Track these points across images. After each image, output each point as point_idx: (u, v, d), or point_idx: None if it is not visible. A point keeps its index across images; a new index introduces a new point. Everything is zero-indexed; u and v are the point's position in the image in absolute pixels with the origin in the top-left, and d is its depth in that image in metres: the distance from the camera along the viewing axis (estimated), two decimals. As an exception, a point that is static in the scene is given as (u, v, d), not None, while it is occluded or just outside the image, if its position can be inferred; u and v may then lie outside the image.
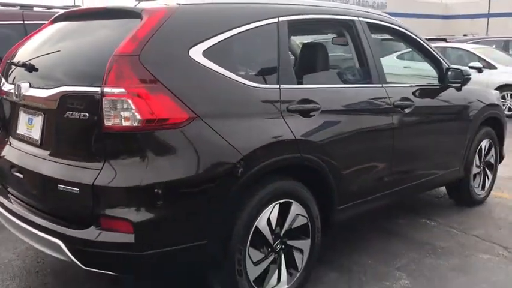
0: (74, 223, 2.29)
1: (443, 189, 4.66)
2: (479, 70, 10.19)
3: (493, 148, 4.55)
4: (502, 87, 9.95)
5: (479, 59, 10.37)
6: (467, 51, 10.91)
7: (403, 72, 4.21)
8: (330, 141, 2.86)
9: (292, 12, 2.89)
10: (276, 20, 2.76)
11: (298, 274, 2.81)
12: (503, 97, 10.00)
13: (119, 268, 2.27)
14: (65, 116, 2.31)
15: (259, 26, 2.69)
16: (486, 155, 4.50)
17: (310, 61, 3.22)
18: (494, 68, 10.17)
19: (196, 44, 2.38)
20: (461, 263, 3.35)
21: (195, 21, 2.48)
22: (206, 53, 2.40)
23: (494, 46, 12.89)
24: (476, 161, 4.34)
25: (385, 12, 3.81)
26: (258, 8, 2.77)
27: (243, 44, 2.67)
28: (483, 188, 4.54)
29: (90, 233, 2.20)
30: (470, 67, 10.23)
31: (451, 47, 11.58)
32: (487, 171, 4.57)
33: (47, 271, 3.15)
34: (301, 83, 2.92)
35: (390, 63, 10.68)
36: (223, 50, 2.49)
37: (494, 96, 4.56)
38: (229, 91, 2.46)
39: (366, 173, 3.20)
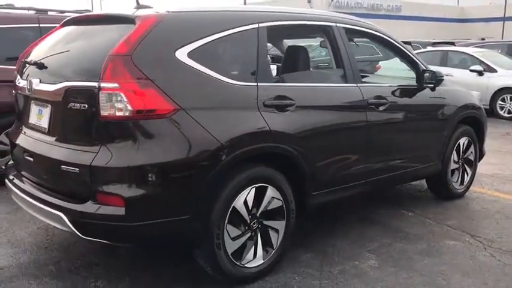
0: (74, 198, 2.68)
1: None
2: (480, 73, 10.42)
3: (472, 146, 4.84)
4: (501, 90, 10.16)
5: (480, 62, 10.59)
6: (469, 54, 11.13)
7: (401, 74, 4.50)
8: (303, 133, 3.21)
9: (272, 19, 3.25)
10: (256, 25, 3.12)
11: (273, 251, 3.16)
12: (503, 100, 10.22)
13: (112, 237, 2.66)
14: (68, 107, 2.71)
15: (241, 31, 3.05)
16: (465, 152, 4.79)
17: (291, 62, 3.58)
18: (495, 71, 10.38)
19: (182, 46, 2.76)
20: (428, 248, 3.67)
21: (182, 26, 2.86)
22: (191, 54, 2.77)
23: (499, 51, 13.05)
24: (454, 157, 4.64)
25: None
26: (240, 15, 3.14)
27: (225, 47, 3.05)
28: (462, 183, 4.84)
29: (88, 207, 2.58)
30: (471, 70, 10.49)
31: (454, 51, 11.81)
32: (466, 167, 4.86)
33: (55, 247, 3.56)
34: (279, 82, 3.28)
35: (394, 65, 10.97)
36: (206, 52, 2.86)
37: (473, 97, 4.86)
38: (211, 87, 2.83)
39: (340, 163, 3.54)
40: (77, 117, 2.72)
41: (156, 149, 2.60)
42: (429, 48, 13.40)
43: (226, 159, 2.77)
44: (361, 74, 4.29)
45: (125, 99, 2.53)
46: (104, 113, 2.55)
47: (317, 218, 4.08)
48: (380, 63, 10.16)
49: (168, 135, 2.63)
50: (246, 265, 3.02)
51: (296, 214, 3.27)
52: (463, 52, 11.50)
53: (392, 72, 5.43)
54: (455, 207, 4.64)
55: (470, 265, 3.41)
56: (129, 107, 2.54)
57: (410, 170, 4.21)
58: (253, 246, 3.06)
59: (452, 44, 14.84)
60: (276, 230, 3.17)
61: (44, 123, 2.95)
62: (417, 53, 11.74)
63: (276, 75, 3.47)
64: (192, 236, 2.79)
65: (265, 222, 3.11)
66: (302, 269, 3.28)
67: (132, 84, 2.55)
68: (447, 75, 10.02)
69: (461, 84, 5.70)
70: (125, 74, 2.55)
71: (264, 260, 3.11)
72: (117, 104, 2.54)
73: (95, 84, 2.56)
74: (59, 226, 2.73)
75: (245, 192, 2.93)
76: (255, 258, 3.07)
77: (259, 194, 3.03)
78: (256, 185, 2.99)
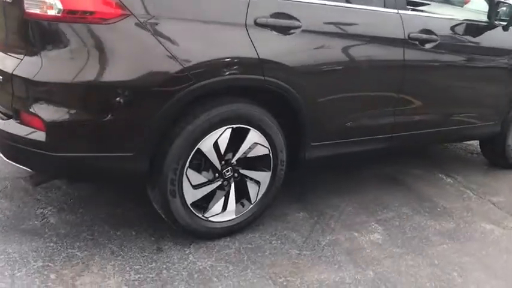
0: (3, 114, 2.21)
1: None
2: None
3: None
4: None
5: None
6: None
7: (477, 8, 3.54)
8: (308, 68, 2.50)
9: None
10: None
11: (250, 206, 2.60)
12: None
13: (35, 166, 2.20)
14: (-4, -2, 2.16)
15: None
16: (537, 113, 3.82)
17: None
18: None
19: None
20: (455, 229, 2.94)
21: None
22: None
23: None
24: (521, 118, 3.71)
25: None
26: None
27: None
28: (525, 150, 3.92)
29: (8, 125, 2.12)
30: None
31: None
32: (536, 132, 3.91)
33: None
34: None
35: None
36: None
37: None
38: (180, -10, 2.15)
39: (356, 110, 2.81)
40: (4, 12, 2.17)
41: (93, 63, 2.02)
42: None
43: (189, 90, 2.15)
44: (420, 1, 3.41)
45: (55, -7, 1.93)
46: (29, 9, 1.98)
47: (326, 170, 3.43)
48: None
49: (110, 48, 2.03)
50: (210, 219, 2.49)
51: (288, 166, 2.65)
52: None
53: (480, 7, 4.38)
54: (509, 179, 3.78)
55: (502, 262, 2.66)
56: (59, 5, 1.94)
57: (457, 129, 3.38)
58: (224, 198, 2.50)
59: None
60: (257, 182, 2.58)
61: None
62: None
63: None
64: (138, 178, 2.27)
65: (243, 172, 2.52)
66: (285, 231, 2.70)
67: (65, -27, 1.94)
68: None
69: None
70: (57, -41, 1.93)
71: (236, 215, 2.56)
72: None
73: (19, -30, 1.98)
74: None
75: (216, 132, 2.33)
76: (224, 212, 2.52)
77: (238, 137, 2.42)
78: (234, 126, 2.37)
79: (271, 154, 2.55)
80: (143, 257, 2.37)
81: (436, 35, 2.93)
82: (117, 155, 2.13)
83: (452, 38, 3.07)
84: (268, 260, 2.44)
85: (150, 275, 2.24)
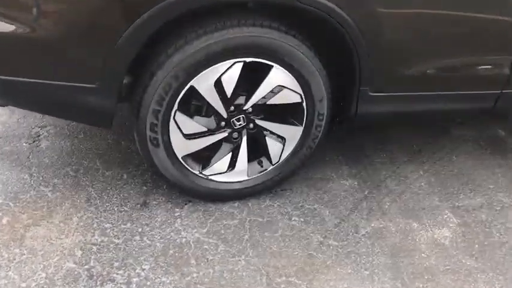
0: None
1: None
2: None
3: None
4: None
5: None
6: None
7: None
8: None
9: None
10: None
11: (270, 168, 1.95)
12: None
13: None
14: None
15: None
16: None
17: None
18: None
19: None
20: None
21: None
22: None
23: None
24: None
25: None
26: None
27: None
28: None
29: None
30: None
31: None
32: None
33: None
34: None
35: None
36: None
37: None
38: None
39: (450, 50, 1.89)
40: None
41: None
42: None
43: (172, 1, 1.47)
44: None
45: None
46: None
47: (401, 126, 2.58)
48: None
49: None
50: (211, 177, 1.90)
51: (330, 121, 1.92)
52: None
53: None
54: None
55: None
56: None
57: None
58: (231, 154, 1.88)
59: None
60: (281, 139, 1.90)
61: None
62: None
63: None
64: (104, 118, 1.71)
65: (260, 123, 1.85)
66: (317, 205, 2.03)
67: None
68: None
69: None
70: None
71: (249, 176, 1.94)
72: None
73: None
74: None
75: (219, 67, 1.65)
76: (232, 171, 1.90)
77: (253, 75, 1.72)
78: (247, 60, 1.66)
79: (304, 103, 1.82)
80: (121, 211, 1.90)
81: None
82: (72, 85, 1.58)
83: None
84: (276, 245, 1.82)
85: (116, 241, 1.77)
